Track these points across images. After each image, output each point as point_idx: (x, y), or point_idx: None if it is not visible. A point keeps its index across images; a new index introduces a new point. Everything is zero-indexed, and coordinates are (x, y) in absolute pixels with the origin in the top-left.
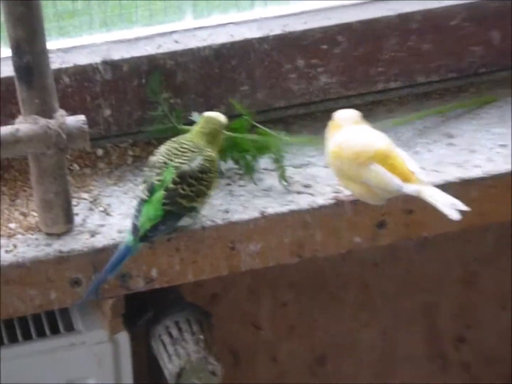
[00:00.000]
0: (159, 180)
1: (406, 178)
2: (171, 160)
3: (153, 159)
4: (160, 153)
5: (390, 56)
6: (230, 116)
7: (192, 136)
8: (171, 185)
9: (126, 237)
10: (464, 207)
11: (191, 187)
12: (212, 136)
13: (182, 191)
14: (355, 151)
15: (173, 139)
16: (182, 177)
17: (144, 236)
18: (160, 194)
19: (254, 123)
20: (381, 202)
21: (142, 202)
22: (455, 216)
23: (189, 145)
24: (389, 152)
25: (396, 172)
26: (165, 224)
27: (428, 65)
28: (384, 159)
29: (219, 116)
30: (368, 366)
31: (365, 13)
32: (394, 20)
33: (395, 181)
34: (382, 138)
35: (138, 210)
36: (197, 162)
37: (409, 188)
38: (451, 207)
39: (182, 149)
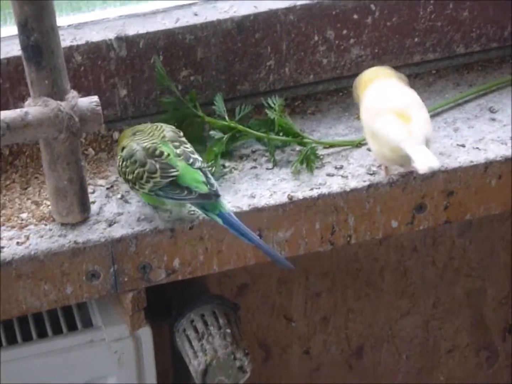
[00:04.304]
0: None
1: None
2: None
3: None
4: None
5: (427, 25)
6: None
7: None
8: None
9: (214, 210)
10: (436, 165)
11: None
12: None
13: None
14: (377, 102)
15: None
16: (173, 140)
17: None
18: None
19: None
20: (393, 161)
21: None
22: (421, 168)
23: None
24: (406, 110)
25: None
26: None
27: (468, 35)
28: (398, 115)
29: None
30: (408, 359)
31: None
32: None
33: (398, 131)
34: (407, 95)
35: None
36: (167, 128)
37: (406, 143)
38: (424, 163)
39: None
